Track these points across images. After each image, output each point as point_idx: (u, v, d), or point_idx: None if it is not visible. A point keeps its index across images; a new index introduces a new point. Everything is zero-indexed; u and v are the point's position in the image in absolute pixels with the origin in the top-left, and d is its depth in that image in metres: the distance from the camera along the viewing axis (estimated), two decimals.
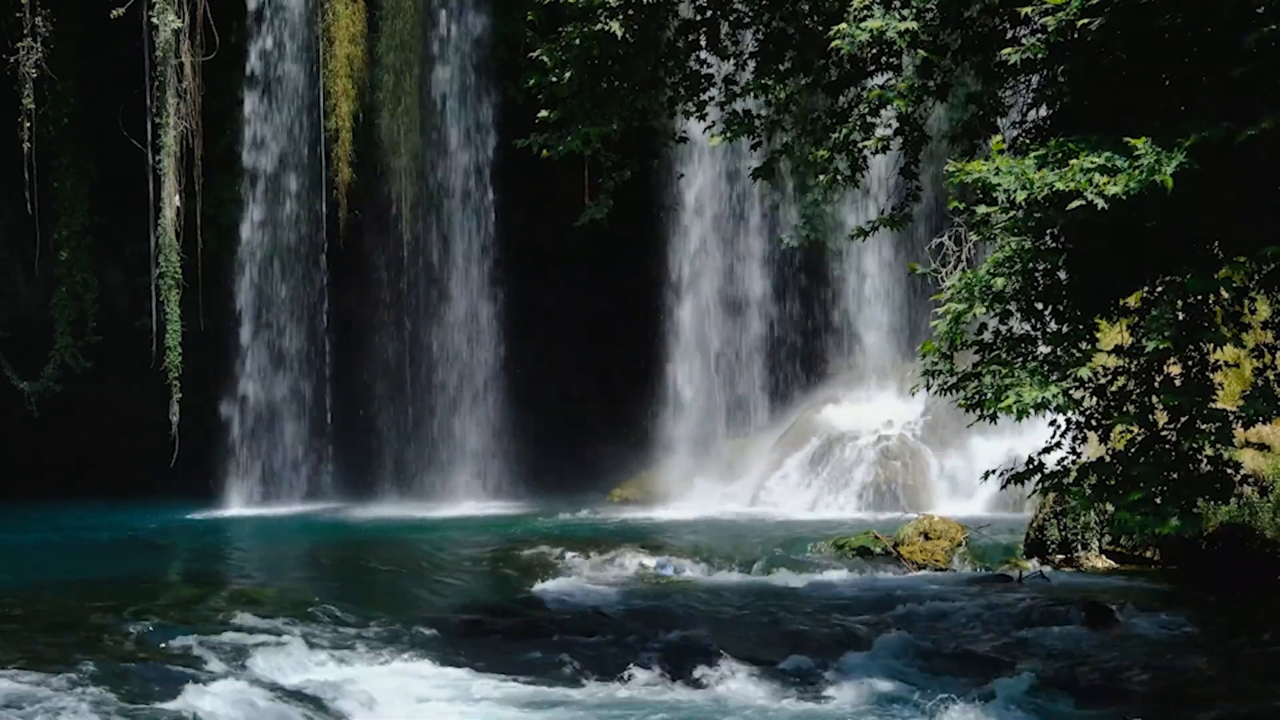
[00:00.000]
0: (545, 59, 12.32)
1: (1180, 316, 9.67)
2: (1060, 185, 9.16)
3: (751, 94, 12.57)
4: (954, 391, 10.55)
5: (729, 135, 12.70)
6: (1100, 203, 8.99)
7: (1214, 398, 10.07)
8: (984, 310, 10.03)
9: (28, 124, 28.14)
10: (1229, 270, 9.39)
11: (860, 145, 12.16)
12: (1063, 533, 18.93)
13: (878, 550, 20.12)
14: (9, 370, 30.65)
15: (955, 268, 11.15)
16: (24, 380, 30.52)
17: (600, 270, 29.73)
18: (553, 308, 30.21)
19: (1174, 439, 10.19)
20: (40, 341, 30.46)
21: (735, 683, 13.21)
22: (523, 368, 30.27)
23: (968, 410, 10.43)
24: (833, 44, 11.02)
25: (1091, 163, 9.08)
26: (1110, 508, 11.36)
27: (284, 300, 30.27)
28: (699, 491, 28.29)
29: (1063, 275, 10.31)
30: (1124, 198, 8.95)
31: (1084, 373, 9.86)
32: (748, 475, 28.47)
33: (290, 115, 29.80)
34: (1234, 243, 9.64)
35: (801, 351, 30.38)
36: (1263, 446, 17.96)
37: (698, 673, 13.50)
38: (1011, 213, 9.63)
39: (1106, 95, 10.09)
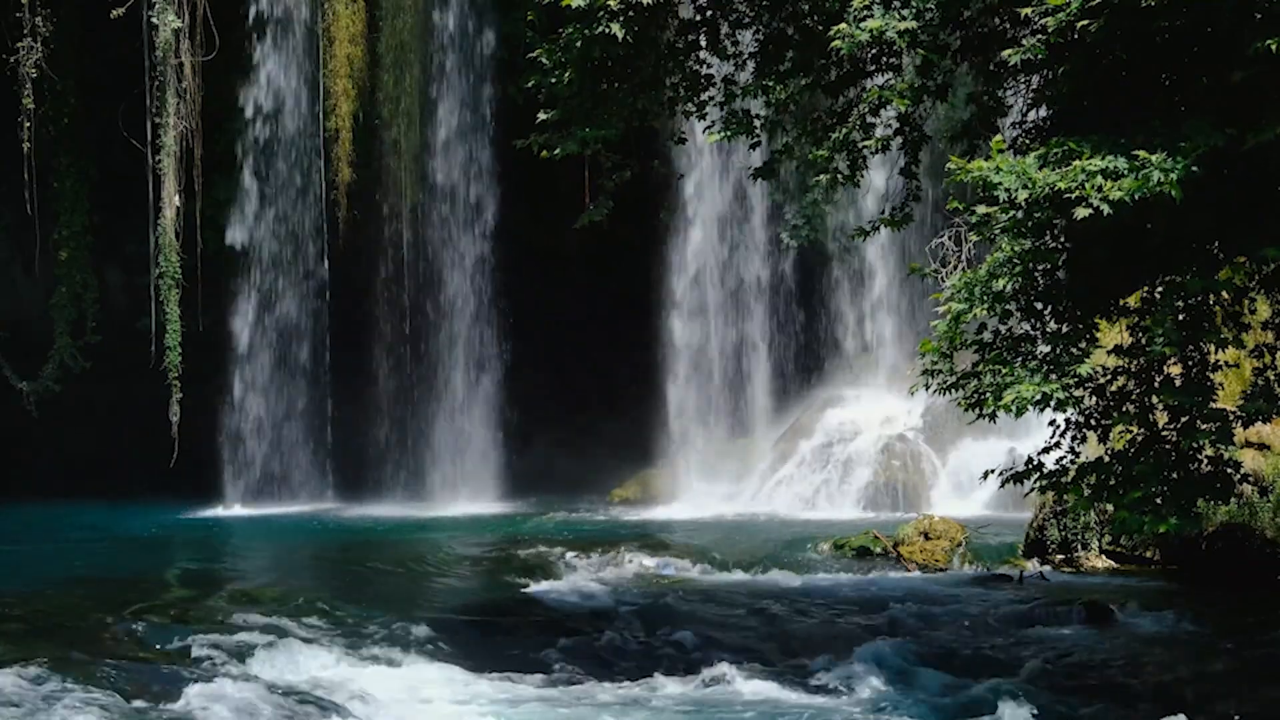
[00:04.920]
0: (545, 59, 12.32)
1: (1180, 317, 9.69)
2: (1062, 185, 9.17)
3: (751, 94, 12.58)
4: (953, 391, 10.57)
5: (728, 134, 12.70)
6: (1105, 208, 9.00)
7: (1214, 398, 10.08)
8: (984, 311, 10.04)
9: (28, 124, 28.12)
10: (1229, 271, 9.40)
11: (860, 145, 12.17)
12: (1063, 533, 18.93)
13: (878, 550, 20.12)
14: (8, 370, 30.64)
15: (955, 268, 11.16)
16: (23, 380, 30.51)
17: (600, 270, 29.73)
18: (553, 307, 30.20)
19: (1174, 439, 10.20)
20: (40, 341, 30.45)
21: (735, 683, 13.21)
22: (523, 367, 30.27)
23: (967, 409, 10.45)
24: (832, 44, 11.03)
25: (1094, 166, 9.09)
26: (1110, 508, 11.37)
27: (284, 300, 30.26)
28: (699, 492, 28.28)
29: (1062, 275, 10.32)
30: (1129, 202, 8.96)
31: (1084, 370, 9.87)
32: (748, 475, 28.47)
33: (290, 115, 29.80)
34: (1234, 243, 9.65)
35: (802, 351, 30.38)
36: (1263, 446, 17.97)
37: (698, 672, 13.50)
38: (1012, 213, 9.64)
39: (1106, 96, 10.09)
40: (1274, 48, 8.69)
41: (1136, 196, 8.93)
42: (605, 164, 13.49)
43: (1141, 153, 8.96)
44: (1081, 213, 9.08)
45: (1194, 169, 8.88)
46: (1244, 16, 9.03)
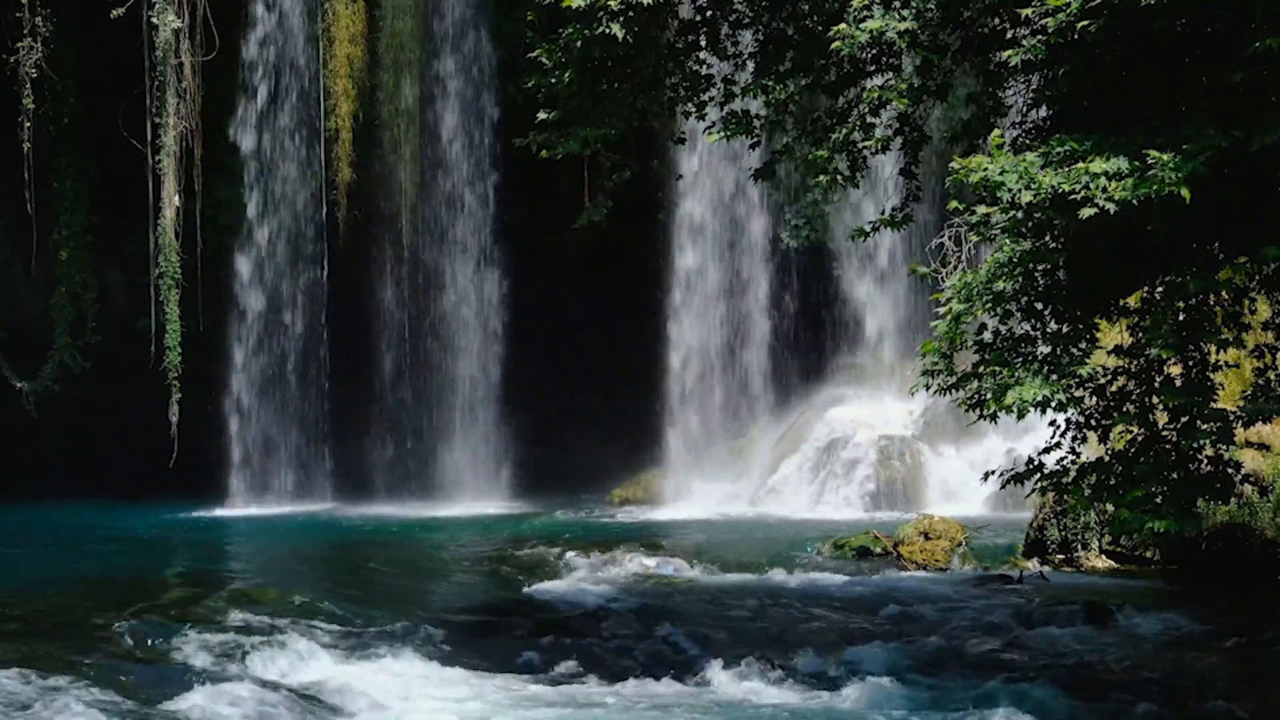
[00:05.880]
0: (545, 59, 12.32)
1: (1180, 317, 9.69)
2: (1066, 187, 9.16)
3: (751, 94, 12.58)
4: (953, 391, 10.56)
5: (728, 134, 12.70)
6: (1111, 207, 8.99)
7: (1214, 398, 10.08)
8: (984, 311, 10.04)
9: (28, 124, 28.12)
10: (1229, 271, 9.40)
11: (860, 145, 12.17)
12: (1063, 533, 18.92)
13: (878, 550, 20.12)
14: (8, 370, 30.64)
15: (955, 268, 11.14)
16: (23, 380, 30.51)
17: (600, 270, 29.74)
18: (553, 307, 30.21)
19: (1174, 439, 10.20)
20: (40, 341, 30.45)
21: (735, 682, 13.21)
22: (523, 367, 30.28)
23: (968, 410, 10.44)
24: (832, 45, 11.03)
25: (1098, 167, 9.08)
26: (1110, 508, 11.37)
27: (283, 300, 30.27)
28: (699, 492, 28.28)
29: (1062, 276, 10.32)
30: (1134, 203, 8.95)
31: (1084, 371, 9.87)
32: (748, 475, 28.47)
33: (290, 115, 29.80)
34: (1235, 243, 9.65)
35: (802, 352, 30.38)
36: (1263, 446, 17.97)
37: (697, 672, 13.50)
38: (1012, 213, 9.63)
39: (1106, 96, 10.09)
40: (1275, 45, 8.69)
41: (1141, 196, 8.93)
42: (605, 164, 13.50)
43: (1153, 153, 8.95)
44: (1087, 212, 9.07)
45: (1201, 169, 8.88)
46: (1244, 16, 9.03)
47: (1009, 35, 11.09)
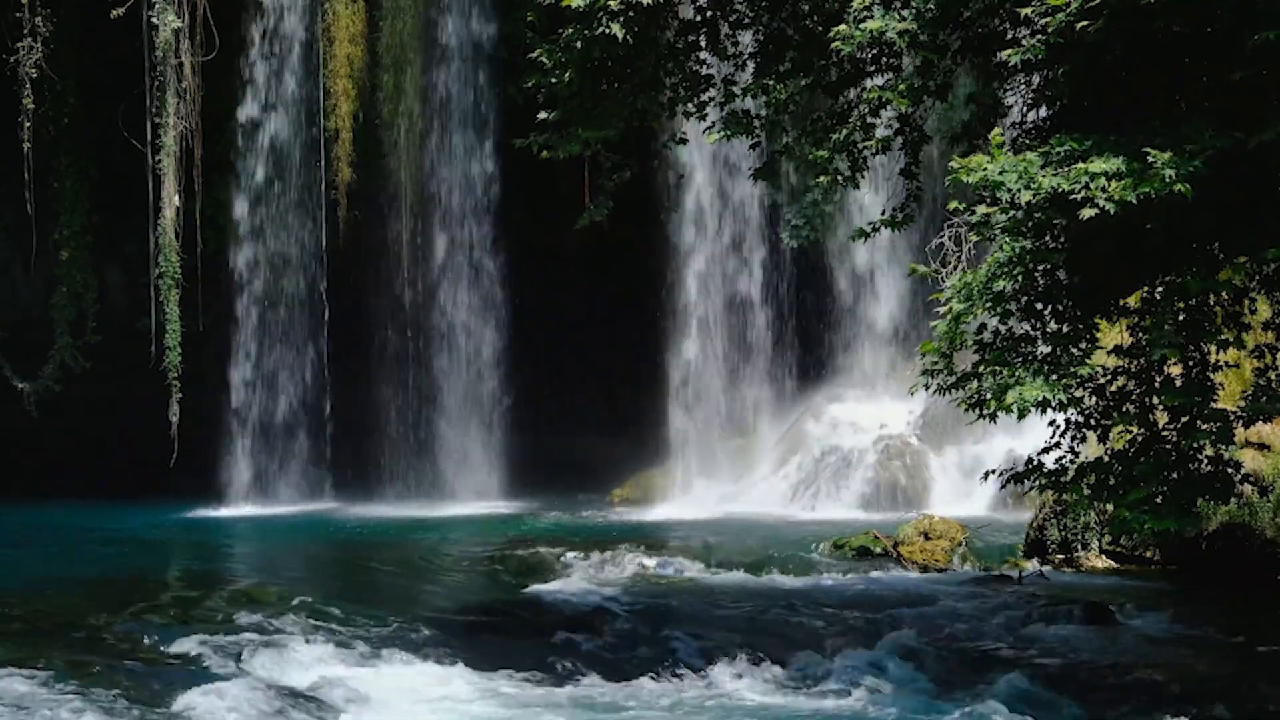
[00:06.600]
0: (545, 59, 12.33)
1: (1181, 318, 9.69)
2: (1066, 187, 9.16)
3: (751, 95, 12.58)
4: (953, 391, 10.56)
5: (728, 135, 12.71)
6: (1111, 207, 9.00)
7: (1214, 398, 10.08)
8: (984, 311, 10.04)
9: (28, 124, 28.11)
10: (1229, 271, 9.41)
11: (860, 145, 12.17)
12: (1063, 533, 18.93)
13: (878, 550, 20.12)
14: (8, 370, 30.63)
15: (955, 268, 11.15)
16: (23, 380, 30.50)
17: (600, 270, 29.73)
18: (553, 307, 30.20)
19: (1174, 439, 10.21)
20: (40, 341, 30.45)
21: (735, 683, 13.22)
22: (523, 367, 30.27)
23: (968, 410, 10.44)
24: (832, 45, 11.03)
25: (1097, 168, 9.09)
26: (1110, 508, 11.38)
27: (284, 300, 30.25)
28: (699, 491, 28.27)
29: (1062, 275, 10.32)
30: (1134, 203, 8.96)
31: (1084, 371, 9.87)
32: (748, 475, 28.46)
33: (290, 115, 29.79)
34: (1235, 243, 9.66)
35: (802, 352, 30.36)
36: (1263, 446, 17.97)
37: (698, 673, 13.50)
38: (1012, 213, 9.63)
39: (1106, 96, 10.10)
40: (1275, 38, 8.69)
41: (1141, 196, 8.93)
42: (605, 164, 13.51)
43: (1154, 152, 8.95)
44: (1087, 212, 9.08)
45: (1201, 168, 8.89)
46: (1244, 16, 9.04)
47: (1009, 35, 11.09)
